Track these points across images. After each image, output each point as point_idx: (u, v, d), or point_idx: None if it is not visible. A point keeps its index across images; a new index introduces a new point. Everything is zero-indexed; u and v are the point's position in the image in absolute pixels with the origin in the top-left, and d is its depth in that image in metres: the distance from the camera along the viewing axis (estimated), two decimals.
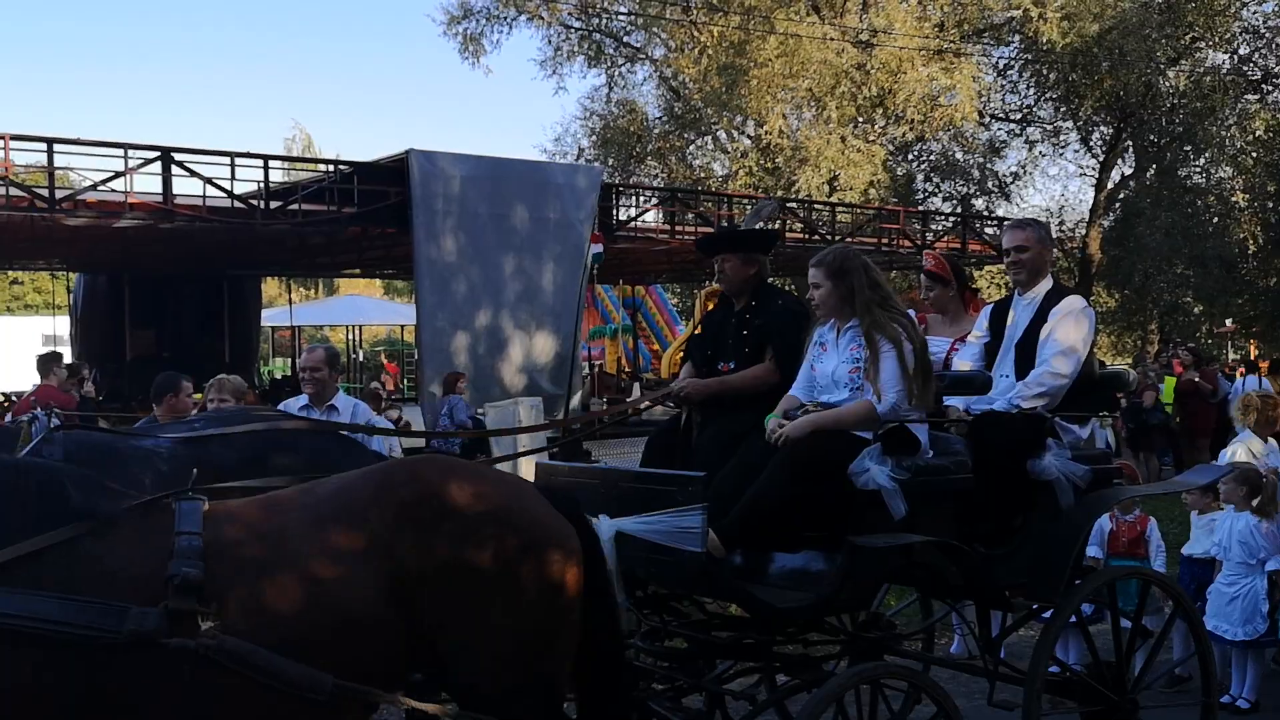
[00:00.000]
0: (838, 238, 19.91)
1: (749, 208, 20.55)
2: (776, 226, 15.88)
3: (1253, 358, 29.35)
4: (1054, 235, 27.28)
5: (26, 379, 22.69)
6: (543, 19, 26.55)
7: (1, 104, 66.68)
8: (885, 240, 20.80)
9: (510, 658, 3.17)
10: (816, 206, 20.60)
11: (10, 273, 36.65)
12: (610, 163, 25.84)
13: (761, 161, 23.92)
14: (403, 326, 37.70)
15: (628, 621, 4.38)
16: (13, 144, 12.21)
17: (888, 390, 4.05)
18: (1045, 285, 4.82)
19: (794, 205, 20.06)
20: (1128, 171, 28.38)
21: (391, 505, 3.16)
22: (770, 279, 5.01)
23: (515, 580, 3.17)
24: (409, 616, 3.08)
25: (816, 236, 19.72)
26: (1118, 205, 27.81)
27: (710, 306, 31.50)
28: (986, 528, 4.41)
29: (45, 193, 12.49)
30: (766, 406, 4.40)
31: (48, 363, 10.61)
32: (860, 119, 23.64)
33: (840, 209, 20.80)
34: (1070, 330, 4.62)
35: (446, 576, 3.11)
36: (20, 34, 67.66)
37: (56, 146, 12.44)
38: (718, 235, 5.53)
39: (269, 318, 29.33)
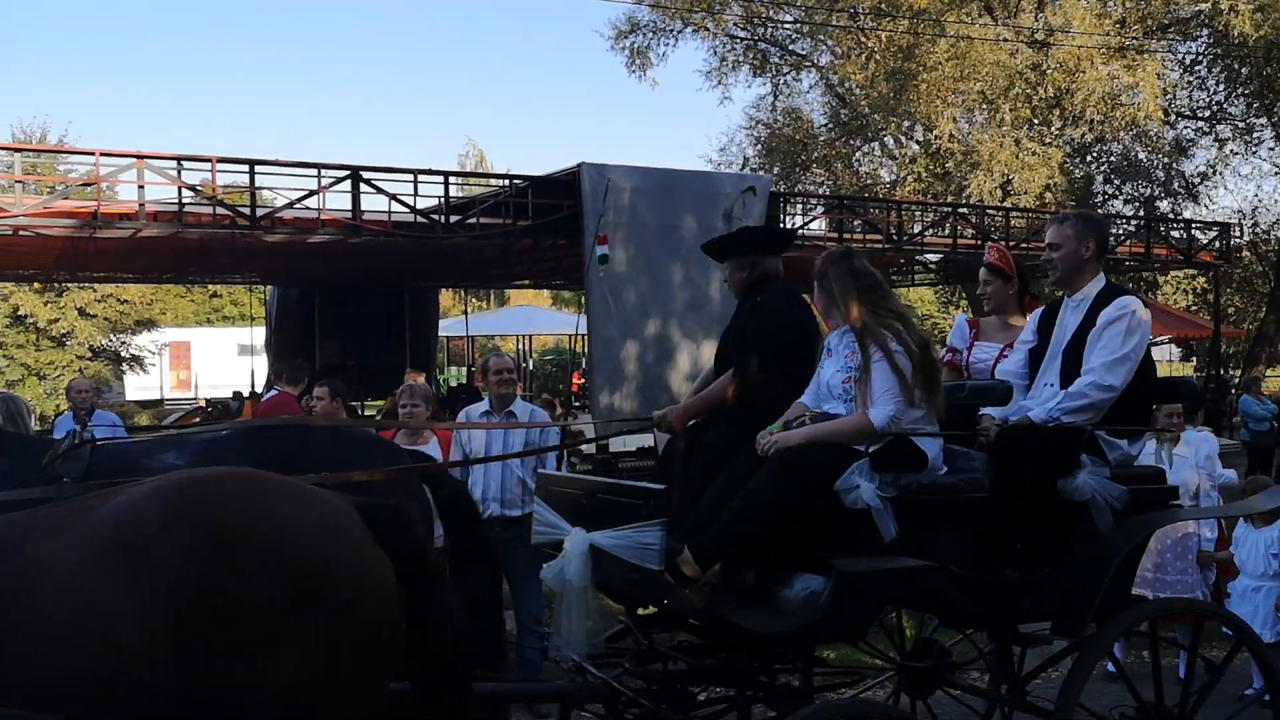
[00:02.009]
0: (1011, 243, 19.42)
1: (917, 213, 20.27)
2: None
3: None
4: (1248, 239, 26.07)
5: (225, 385, 24.20)
6: (708, 30, 26.75)
7: (208, 129, 71.28)
8: None
9: (294, 708, 2.78)
10: (989, 212, 20.13)
11: (210, 287, 39.00)
12: (776, 171, 25.80)
13: (931, 167, 23.51)
14: (570, 336, 38.55)
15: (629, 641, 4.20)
16: (219, 166, 13.09)
17: (879, 401, 3.79)
18: (1095, 286, 4.40)
19: (965, 211, 19.64)
20: None
21: (180, 530, 2.76)
22: (777, 276, 4.79)
23: (303, 623, 2.79)
24: (184, 660, 2.67)
25: (989, 242, 19.27)
26: None
27: None
28: (1011, 552, 4.05)
29: (247, 211, 13.36)
30: (776, 411, 4.15)
31: (296, 371, 10.97)
32: (1035, 121, 22.96)
33: (1014, 214, 20.26)
34: (1121, 335, 4.21)
35: (227, 614, 2.72)
36: (222, 62, 72.11)
37: (257, 168, 13.28)
38: (705, 245, 5.41)
39: (444, 328, 30.45)
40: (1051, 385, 4.33)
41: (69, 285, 27.88)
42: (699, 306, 15.47)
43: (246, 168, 13.26)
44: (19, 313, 29.91)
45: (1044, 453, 4.05)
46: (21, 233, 12.70)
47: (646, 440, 13.40)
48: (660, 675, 4.19)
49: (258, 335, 26.05)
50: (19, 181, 13.12)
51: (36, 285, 27.91)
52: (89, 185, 13.07)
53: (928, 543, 3.78)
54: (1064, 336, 4.37)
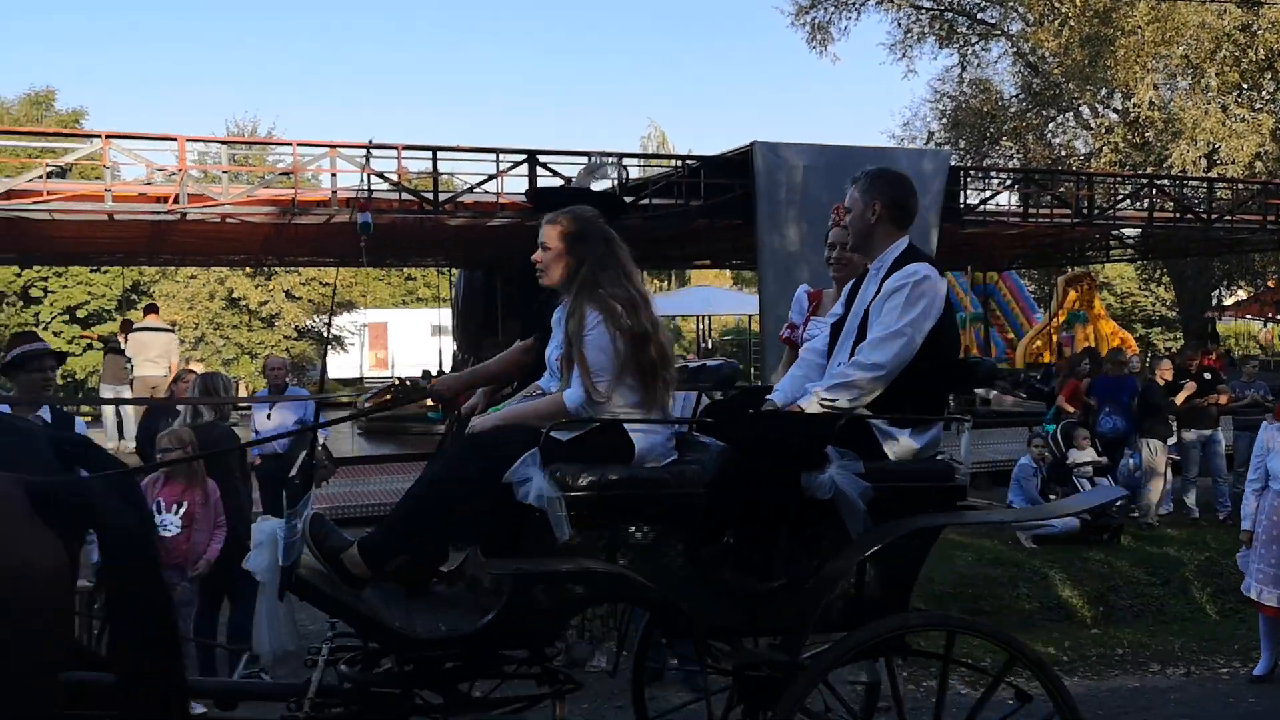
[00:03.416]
0: (1215, 216, 18.28)
1: (1113, 185, 19.29)
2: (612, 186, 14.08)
3: None
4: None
5: (419, 364, 25.25)
6: (892, 2, 26.15)
7: (394, 118, 74.29)
8: (1274, 218, 18.83)
9: None
10: (1190, 183, 18.98)
11: (405, 269, 40.71)
12: (962, 145, 25.04)
13: (1129, 136, 22.36)
14: (750, 316, 38.47)
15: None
16: (405, 153, 13.65)
17: (577, 381, 3.43)
18: (894, 251, 3.83)
19: (1164, 183, 18.58)
20: None
21: None
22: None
23: None
24: None
25: (1190, 215, 18.20)
26: None
27: (1073, 294, 30.06)
28: (745, 556, 3.55)
29: (430, 195, 13.89)
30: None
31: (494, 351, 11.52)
32: (1245, 86, 21.50)
33: (1220, 184, 19.04)
34: (898, 308, 3.64)
35: None
36: (402, 52, 74.91)
37: (440, 154, 13.79)
38: (530, 191, 4.81)
39: None
40: (843, 364, 3.80)
41: (276, 269, 29.61)
42: None
43: (430, 154, 13.78)
44: (233, 295, 32.00)
45: (779, 444, 3.49)
46: (228, 220, 13.57)
47: None
48: (359, 677, 3.68)
49: (448, 316, 27.02)
50: (225, 172, 14.03)
51: (247, 270, 29.78)
52: (288, 174, 13.85)
53: (622, 543, 3.39)
54: (860, 308, 3.85)
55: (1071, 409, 12.37)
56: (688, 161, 15.18)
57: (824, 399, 3.56)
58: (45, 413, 5.45)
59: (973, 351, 28.26)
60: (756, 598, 3.51)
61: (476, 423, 3.56)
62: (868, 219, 3.85)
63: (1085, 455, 11.13)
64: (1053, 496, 11.11)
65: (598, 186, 5.67)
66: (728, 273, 46.29)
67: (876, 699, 4.10)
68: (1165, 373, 12.14)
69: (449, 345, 26.45)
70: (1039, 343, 29.11)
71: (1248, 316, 29.19)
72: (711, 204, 14.78)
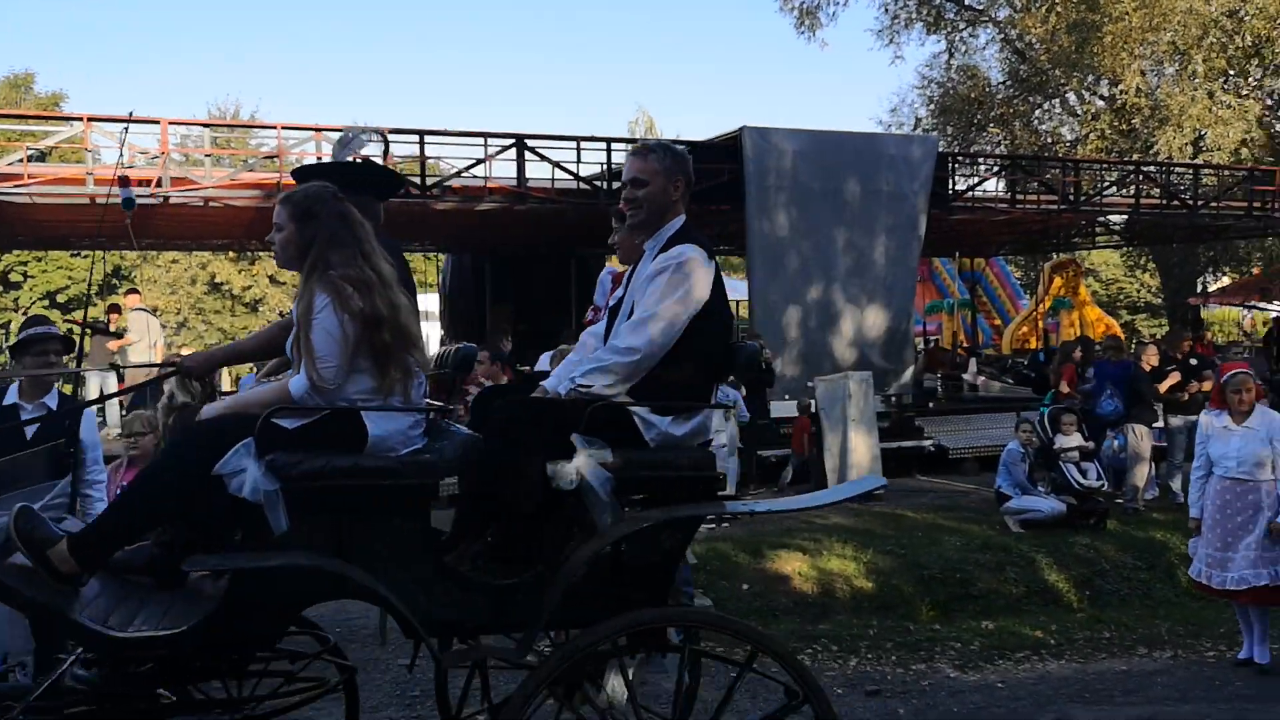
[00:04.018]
0: (1200, 202, 18.33)
1: (1099, 172, 19.32)
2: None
3: None
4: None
5: None
6: None
7: (380, 100, 73.85)
8: (1259, 204, 18.89)
9: None
10: (1176, 169, 19.02)
11: None
12: (949, 131, 25.03)
13: (1115, 123, 22.38)
14: (736, 302, 38.45)
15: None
16: (391, 136, 13.55)
17: (303, 367, 3.27)
18: (669, 230, 3.66)
19: (1151, 169, 18.62)
20: None
21: None
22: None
23: None
24: None
25: (1176, 202, 18.24)
26: None
27: (1059, 281, 30.08)
28: (484, 550, 3.42)
29: (417, 180, 13.81)
30: None
31: (497, 338, 11.45)
32: (1231, 72, 21.53)
33: (1205, 171, 19.09)
34: (659, 290, 3.49)
35: None
36: (391, 32, 74.47)
37: (427, 138, 13.70)
38: (298, 170, 4.62)
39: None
40: (600, 349, 3.68)
41: (260, 254, 29.44)
42: (863, 271, 15.21)
43: (417, 137, 13.69)
44: (216, 280, 31.83)
45: (532, 432, 3.37)
46: (211, 204, 13.46)
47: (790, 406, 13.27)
48: (93, 678, 3.45)
49: (434, 302, 26.92)
50: (208, 155, 13.91)
51: (231, 255, 29.61)
52: (272, 158, 13.75)
53: (347, 536, 3.21)
54: (633, 292, 3.69)
55: (1068, 393, 12.42)
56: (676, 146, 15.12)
57: (580, 384, 3.43)
58: (52, 399, 5.38)
59: (960, 338, 28.35)
60: (500, 593, 3.33)
61: (205, 410, 3.40)
62: (670, 195, 3.67)
63: (1072, 440, 11.16)
64: (1040, 481, 11.17)
65: (367, 155, 5.40)
66: None
67: (694, 698, 3.97)
68: (1151, 358, 12.18)
69: (436, 331, 26.37)
70: (1025, 329, 29.19)
71: (1232, 303, 29.31)
72: (700, 189, 14.72)
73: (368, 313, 3.29)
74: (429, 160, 14.27)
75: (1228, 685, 6.47)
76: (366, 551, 3.21)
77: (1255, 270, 24.83)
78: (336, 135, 13.34)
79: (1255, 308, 28.98)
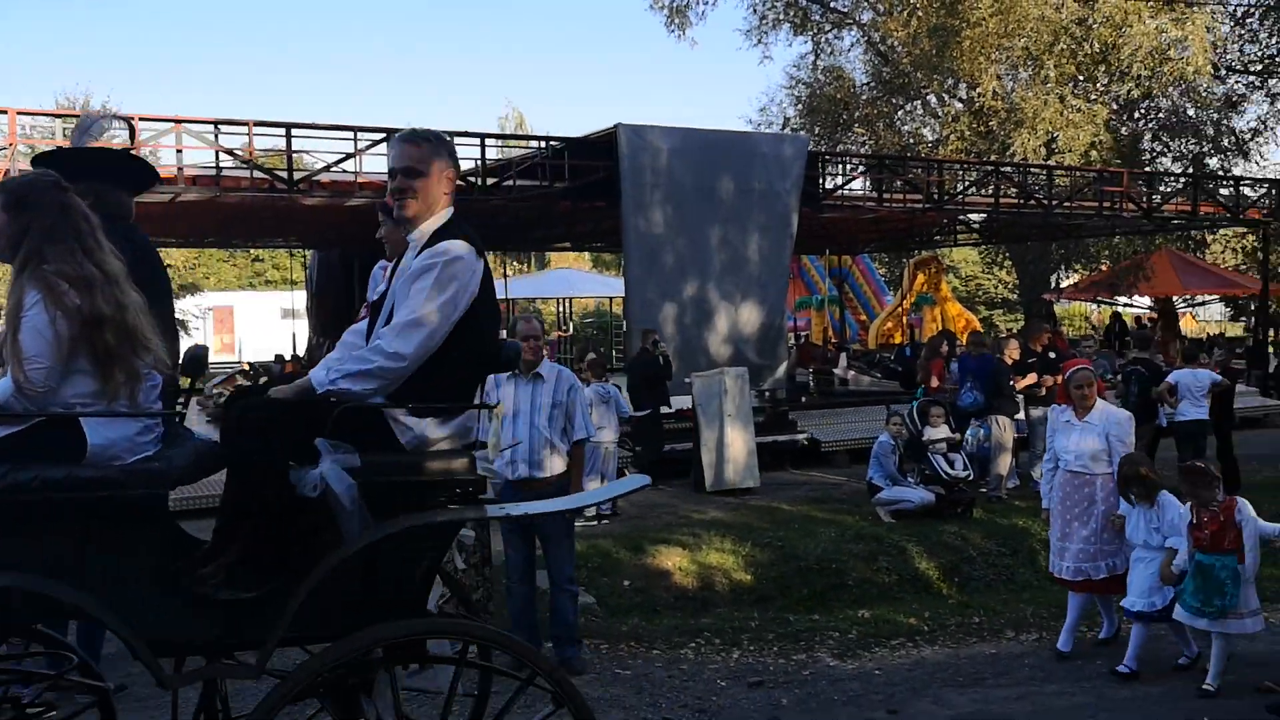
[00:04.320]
0: (1054, 202, 19.12)
1: (959, 172, 19.97)
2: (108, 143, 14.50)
3: None
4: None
5: (268, 349, 24.49)
6: None
7: (246, 93, 71.65)
8: (1109, 204, 19.81)
9: None
10: (1032, 170, 19.81)
11: (252, 250, 39.39)
12: (817, 131, 25.52)
13: (974, 125, 23.10)
14: (611, 299, 38.58)
15: None
16: (255, 130, 13.14)
17: (11, 369, 3.04)
18: (437, 221, 3.45)
19: (1008, 170, 19.34)
20: None
21: None
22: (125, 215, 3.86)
23: None
24: None
25: (1032, 202, 18.99)
26: None
27: (921, 277, 30.90)
28: (220, 564, 3.23)
29: (284, 174, 13.42)
30: None
31: None
32: (1081, 77, 22.48)
33: (1058, 172, 19.93)
34: (425, 291, 3.29)
35: None
36: (257, 26, 72.33)
37: (294, 131, 13.33)
38: (37, 158, 4.33)
39: None
40: (363, 349, 3.46)
41: None
42: (737, 268, 15.40)
43: (283, 131, 13.31)
44: None
45: (272, 436, 3.18)
46: None
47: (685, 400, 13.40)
48: None
49: (299, 299, 26.27)
50: (60, 147, 13.26)
51: None
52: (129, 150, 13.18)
53: (63, 553, 2.98)
54: (397, 288, 3.47)
55: (936, 386, 12.81)
56: (551, 143, 15.06)
57: (340, 388, 3.22)
58: None
59: (829, 334, 28.98)
60: (237, 608, 3.12)
61: None
62: (441, 186, 3.46)
63: (940, 432, 11.52)
64: (909, 472, 11.50)
65: (107, 141, 5.04)
66: (588, 255, 46.27)
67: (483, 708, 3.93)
68: (1012, 352, 12.65)
69: (303, 329, 25.75)
70: (890, 324, 30.04)
71: (1082, 299, 30.69)
72: (576, 186, 14.72)
73: (86, 311, 3.07)
74: (296, 154, 13.87)
75: (1090, 664, 6.74)
76: (83, 569, 2.96)
77: (1104, 267, 26.01)
78: (200, 127, 12.89)
79: (1104, 303, 30.40)
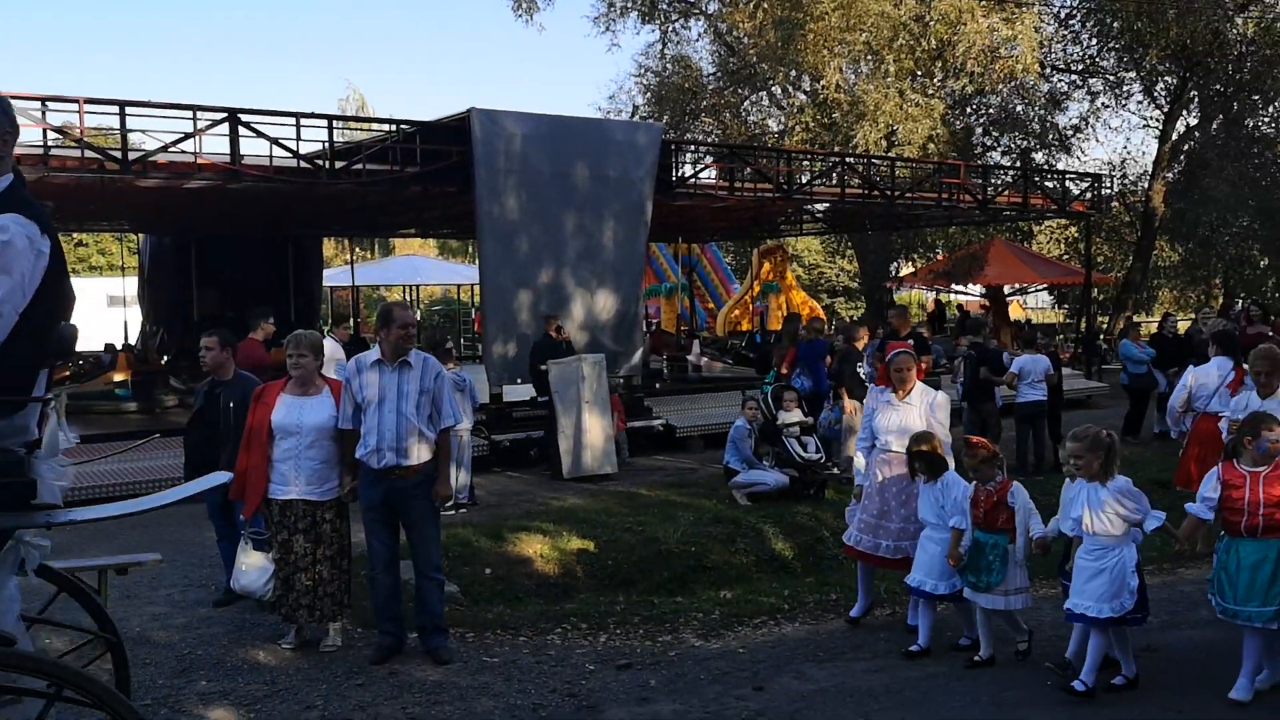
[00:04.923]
0: (897, 193, 19.77)
1: (806, 163, 20.46)
2: None
3: None
4: (1117, 190, 27.00)
5: (96, 338, 23.27)
6: None
7: (76, 69, 67.80)
8: (946, 195, 20.60)
9: None
10: (875, 161, 20.44)
11: (75, 235, 37.37)
12: (665, 120, 25.73)
13: (818, 117, 23.68)
14: (459, 286, 38.08)
15: None
16: (86, 107, 12.43)
17: None
18: None
19: (853, 161, 19.90)
20: (1193, 122, 27.76)
21: None
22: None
23: None
24: None
25: (876, 192, 19.59)
26: (1182, 157, 27.25)
27: (767, 266, 31.51)
28: None
29: (117, 154, 12.75)
30: None
31: (258, 318, 10.77)
32: (919, 72, 23.28)
33: (899, 164, 20.61)
34: None
35: None
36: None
37: (128, 109, 12.67)
38: None
39: (329, 278, 29.76)
40: None
41: None
42: (593, 255, 15.41)
43: (116, 109, 12.63)
44: None
45: None
46: None
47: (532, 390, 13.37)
48: None
49: (130, 286, 25.09)
50: None
51: None
52: None
53: None
54: None
55: (788, 372, 13.10)
56: (403, 127, 14.73)
57: None
58: None
59: (680, 321, 29.30)
60: None
61: None
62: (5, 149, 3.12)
63: (793, 416, 11.79)
64: (764, 456, 11.74)
65: None
66: (433, 242, 45.54)
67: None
68: (862, 337, 13.04)
69: (134, 316, 24.59)
70: (737, 312, 30.58)
71: (919, 286, 31.87)
72: (428, 170, 14.45)
73: None
74: (131, 134, 13.17)
75: (941, 636, 7.00)
76: None
77: (940, 256, 27.05)
78: (25, 103, 12.10)
79: (941, 291, 31.64)
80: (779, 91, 26.78)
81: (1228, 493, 5.64)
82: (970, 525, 6.33)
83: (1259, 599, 5.48)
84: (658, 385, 17.80)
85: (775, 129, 27.07)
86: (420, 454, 6.52)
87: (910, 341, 9.92)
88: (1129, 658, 5.90)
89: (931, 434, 6.75)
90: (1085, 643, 5.84)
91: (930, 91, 23.00)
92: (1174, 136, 27.30)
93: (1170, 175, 27.03)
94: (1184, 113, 27.58)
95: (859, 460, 7.47)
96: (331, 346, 11.06)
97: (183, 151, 13.10)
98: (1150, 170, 27.37)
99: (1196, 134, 27.18)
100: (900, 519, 7.06)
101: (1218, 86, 26.26)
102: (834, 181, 19.58)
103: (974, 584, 6.29)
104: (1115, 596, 5.64)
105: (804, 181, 19.74)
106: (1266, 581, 5.46)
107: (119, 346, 20.92)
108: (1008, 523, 6.23)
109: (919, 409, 7.09)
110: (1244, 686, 5.58)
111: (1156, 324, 20.13)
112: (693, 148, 20.18)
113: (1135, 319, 22.56)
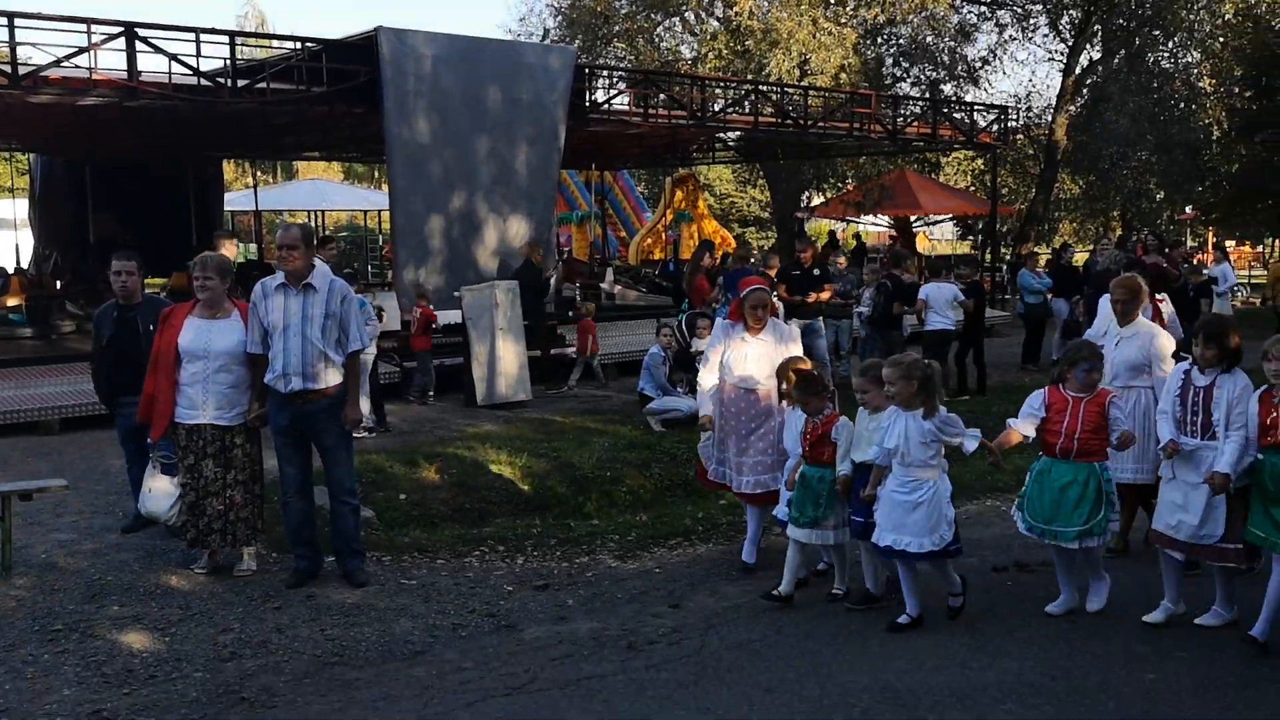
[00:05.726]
0: (809, 122, 19.84)
1: (719, 91, 20.40)
2: None
3: (1212, 245, 29.78)
4: (1022, 123, 27.49)
5: None
6: None
7: None
8: (858, 125, 20.74)
9: None
10: (787, 90, 20.45)
11: None
12: (578, 44, 25.36)
13: (731, 44, 23.57)
14: (365, 212, 37.32)
15: None
16: None
17: None
18: None
19: (765, 89, 19.89)
20: (1096, 56, 28.31)
21: None
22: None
23: None
24: None
25: (788, 121, 19.63)
26: (1085, 91, 27.80)
27: (680, 195, 31.42)
28: None
29: (6, 69, 12.18)
30: None
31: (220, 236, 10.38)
32: (831, 1, 23.30)
33: (812, 93, 20.66)
34: None
35: None
36: None
37: (17, 21, 12.08)
38: None
39: (230, 202, 28.97)
40: None
41: None
42: (506, 180, 15.23)
43: (5, 21, 12.02)
44: None
45: None
46: None
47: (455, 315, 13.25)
48: None
49: (20, 208, 24.13)
50: None
51: None
52: None
53: None
54: None
55: (703, 299, 13.17)
56: (308, 45, 14.28)
57: None
58: None
59: (592, 250, 29.17)
60: None
61: None
62: None
63: (707, 344, 11.88)
64: (678, 383, 11.85)
65: None
66: (337, 165, 44.48)
67: None
68: (773, 266, 13.17)
69: (26, 240, 23.69)
70: (650, 240, 30.57)
71: (831, 217, 32.15)
72: (334, 90, 14.07)
73: None
74: (21, 47, 12.57)
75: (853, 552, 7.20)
76: None
77: (850, 186, 27.31)
78: None
79: (850, 221, 31.98)
80: (692, 18, 26.56)
81: (1050, 415, 5.78)
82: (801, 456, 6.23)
83: (1064, 519, 5.68)
84: (570, 313, 17.76)
85: (688, 56, 26.87)
86: (328, 378, 6.44)
87: (761, 278, 9.96)
88: (954, 578, 5.91)
89: (794, 361, 6.56)
90: (897, 575, 5.85)
91: (843, 20, 23.04)
92: (1078, 70, 27.81)
93: (1073, 109, 27.58)
94: (1088, 46, 28.10)
95: (706, 385, 7.15)
96: None
97: (77, 67, 12.57)
98: (1054, 104, 27.88)
99: (1099, 68, 27.73)
100: (758, 452, 6.89)
101: (1121, 21, 26.76)
102: (747, 110, 19.58)
103: (796, 519, 6.21)
104: (935, 530, 5.60)
105: (717, 109, 19.69)
106: (1072, 504, 5.65)
107: (10, 271, 20.17)
108: (833, 456, 6.10)
109: (770, 343, 6.90)
110: (1064, 602, 5.95)
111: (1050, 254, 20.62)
112: (606, 73, 19.95)
113: (1037, 250, 23.10)
